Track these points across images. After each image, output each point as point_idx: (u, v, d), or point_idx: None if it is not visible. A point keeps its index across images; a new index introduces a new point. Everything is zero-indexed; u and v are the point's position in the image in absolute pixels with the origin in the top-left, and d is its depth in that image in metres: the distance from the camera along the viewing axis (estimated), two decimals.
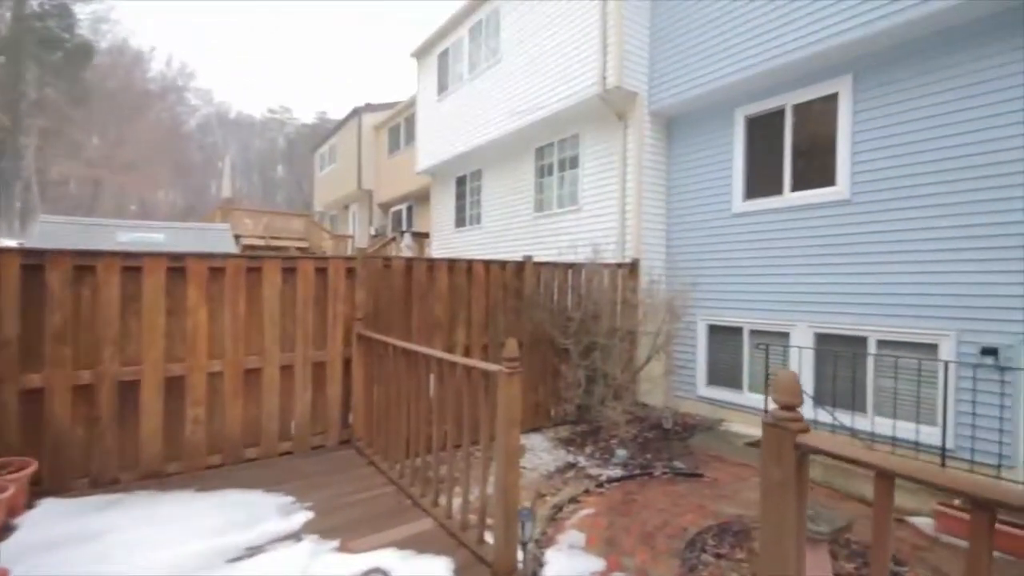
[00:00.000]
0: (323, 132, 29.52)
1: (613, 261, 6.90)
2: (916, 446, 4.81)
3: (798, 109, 6.14)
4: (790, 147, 6.19)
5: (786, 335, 6.11)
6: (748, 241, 6.54)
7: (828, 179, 5.81)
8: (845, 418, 5.24)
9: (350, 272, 4.89)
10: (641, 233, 7.24)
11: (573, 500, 4.25)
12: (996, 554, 3.50)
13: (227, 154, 35.78)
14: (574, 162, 8.50)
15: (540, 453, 5.37)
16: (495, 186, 10.57)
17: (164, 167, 49.20)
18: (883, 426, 5.07)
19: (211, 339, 4.22)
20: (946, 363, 4.74)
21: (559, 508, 4.08)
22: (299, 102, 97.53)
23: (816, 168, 5.97)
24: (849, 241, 5.58)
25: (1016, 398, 4.38)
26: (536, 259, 6.17)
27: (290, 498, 3.59)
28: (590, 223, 7.91)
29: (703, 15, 6.76)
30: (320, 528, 3.18)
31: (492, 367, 2.75)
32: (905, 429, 4.92)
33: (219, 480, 3.92)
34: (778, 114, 6.32)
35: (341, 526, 3.21)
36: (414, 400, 3.66)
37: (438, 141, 11.91)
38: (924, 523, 3.91)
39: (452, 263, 5.48)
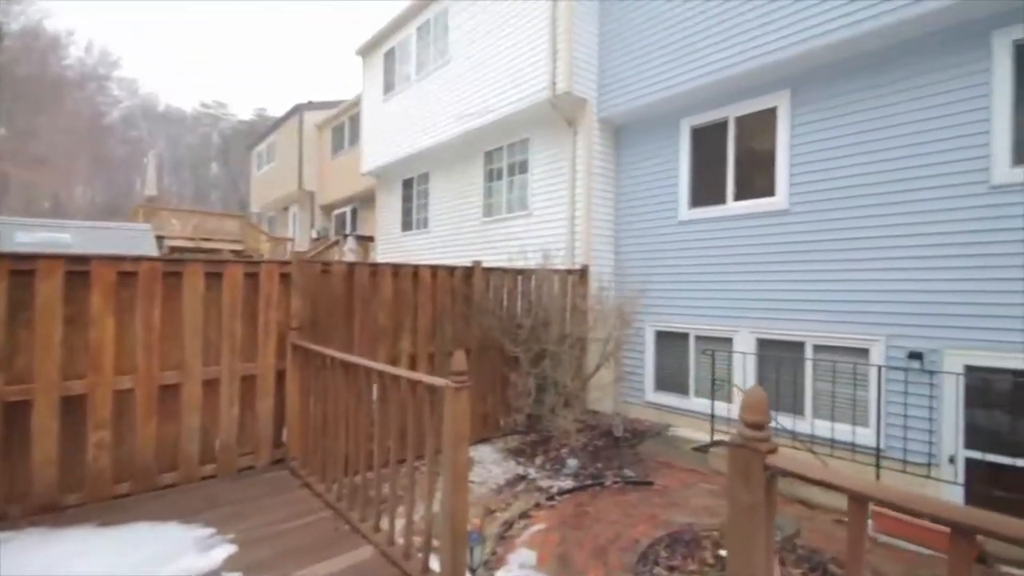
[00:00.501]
0: (261, 129, 28.08)
1: (563, 267, 6.84)
2: (853, 448, 5.00)
3: (740, 121, 6.33)
4: (733, 158, 6.36)
5: (729, 341, 6.25)
6: (694, 249, 6.66)
7: (768, 189, 6.00)
8: (787, 421, 5.38)
9: (285, 277, 4.52)
10: (591, 239, 7.23)
11: (524, 515, 4.08)
12: (932, 553, 3.65)
13: (152, 149, 33.36)
14: (524, 167, 8.42)
15: (489, 465, 5.18)
16: (443, 190, 10.33)
17: (81, 162, 45.25)
18: (822, 428, 5.25)
19: (119, 352, 3.75)
20: (880, 368, 4.96)
21: (509, 525, 3.90)
22: (235, 97, 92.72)
23: (757, 178, 6.16)
24: (788, 249, 5.78)
25: (940, 399, 4.63)
26: (485, 264, 6.00)
27: (210, 530, 3.21)
28: (540, 229, 7.84)
29: (650, 27, 6.86)
30: (244, 564, 2.85)
31: (439, 381, 2.55)
32: (842, 431, 5.11)
33: (127, 512, 3.47)
34: (721, 125, 6.49)
35: (268, 560, 2.89)
36: (354, 415, 3.38)
37: (384, 142, 11.53)
38: None
39: (397, 268, 5.21)
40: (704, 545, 3.65)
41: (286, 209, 22.42)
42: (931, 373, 4.68)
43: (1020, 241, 4.33)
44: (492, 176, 9.12)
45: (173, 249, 14.45)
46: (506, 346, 5.82)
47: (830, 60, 5.43)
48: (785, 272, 5.78)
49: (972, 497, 4.44)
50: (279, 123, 21.96)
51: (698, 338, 6.60)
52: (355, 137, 15.90)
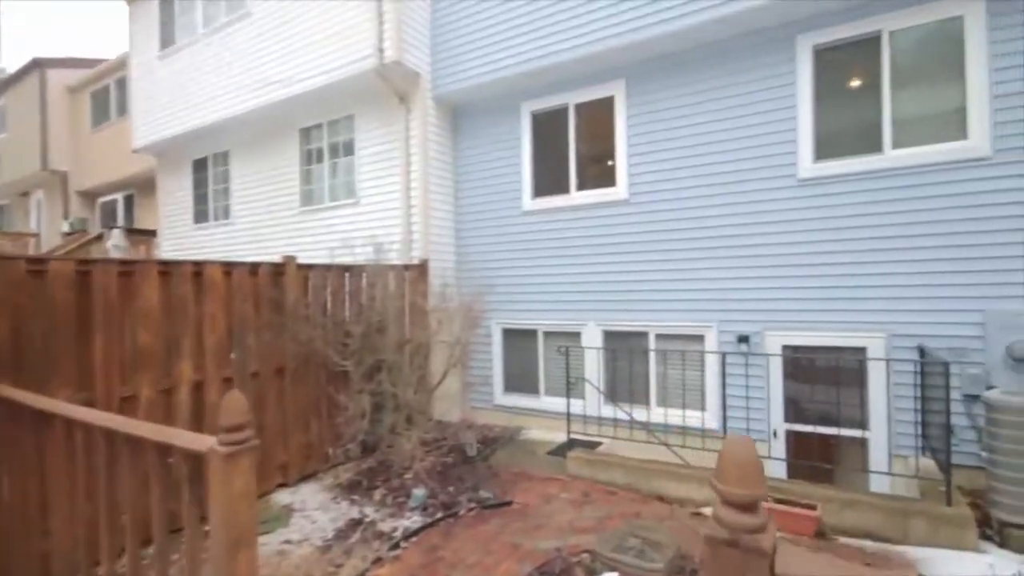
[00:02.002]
0: None
1: (399, 262, 5.96)
2: (702, 433, 5.08)
3: (580, 109, 6.16)
4: (574, 146, 6.17)
5: (578, 335, 6.06)
6: (539, 240, 6.35)
7: (609, 179, 5.93)
8: (639, 413, 5.32)
9: None
10: (429, 231, 6.46)
11: None
12: (779, 535, 3.70)
13: None
14: (350, 148, 7.27)
15: (314, 512, 4.11)
16: (248, 173, 8.54)
17: None
18: (671, 416, 5.27)
19: None
20: (716, 353, 5.13)
21: None
22: None
23: (599, 168, 6.06)
24: (629, 240, 5.75)
25: (766, 379, 4.93)
26: (303, 260, 4.83)
27: None
28: (371, 219, 6.81)
29: (486, 1, 6.33)
30: None
31: (202, 442, 1.55)
32: (689, 417, 5.18)
33: None
34: (562, 112, 6.26)
35: None
36: (69, 500, 2.12)
37: (162, 111, 9.16)
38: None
39: (167, 266, 3.80)
40: (576, 574, 3.19)
41: (26, 194, 17.14)
42: (756, 355, 4.95)
43: (820, 230, 4.78)
44: (311, 158, 7.75)
45: None
46: (332, 359, 4.76)
47: (657, 53, 5.49)
48: (628, 263, 5.75)
49: (792, 468, 4.80)
50: (11, 82, 16.64)
51: (547, 334, 6.31)
52: (125, 106, 12.63)
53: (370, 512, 4.10)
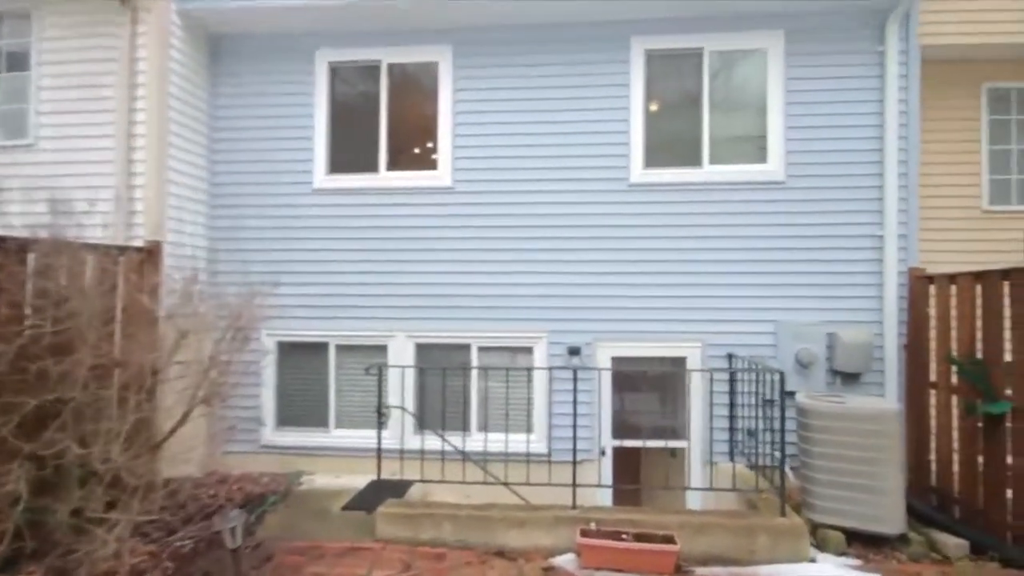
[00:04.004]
0: None
1: (109, 242, 3.84)
2: (527, 458, 4.39)
3: (397, 72, 5.03)
4: (387, 115, 4.99)
5: (383, 348, 4.86)
6: (334, 228, 4.94)
7: (429, 162, 4.94)
8: (459, 441, 4.40)
9: None
10: (165, 199, 4.43)
11: None
12: None
13: None
14: (19, 61, 4.63)
15: None
16: None
17: None
18: (493, 443, 4.47)
19: None
20: (551, 369, 4.56)
21: None
22: None
23: (417, 145, 5.02)
24: (451, 236, 4.86)
25: (595, 392, 4.57)
26: None
27: None
28: (58, 171, 4.36)
29: None
30: None
31: None
32: (514, 441, 4.47)
33: None
34: (372, 71, 5.02)
35: None
36: None
37: None
38: (568, 561, 3.33)
39: None
40: None
41: None
42: (585, 368, 4.56)
43: (649, 238, 4.69)
44: None
45: None
46: None
47: (492, 22, 4.78)
48: (448, 263, 4.84)
49: (617, 494, 4.51)
50: None
51: (342, 348, 4.92)
52: None
53: None
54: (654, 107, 4.78)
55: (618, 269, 4.69)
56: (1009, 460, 3.36)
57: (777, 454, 4.11)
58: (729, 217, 4.62)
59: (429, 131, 4.94)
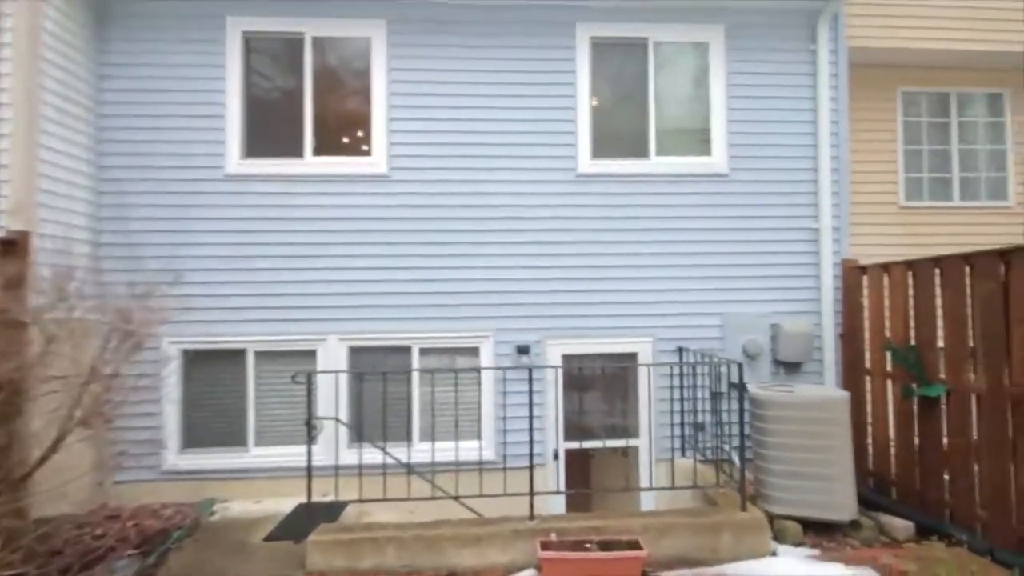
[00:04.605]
0: None
1: None
2: (479, 466, 4.04)
3: (323, 46, 4.55)
4: (312, 94, 4.48)
5: (312, 354, 4.34)
6: (252, 218, 4.37)
7: (362, 147, 4.50)
8: (399, 452, 3.97)
9: None
10: (35, 183, 3.67)
11: None
12: None
13: None
14: None
15: None
16: None
17: None
18: (439, 452, 4.08)
19: None
20: (503, 369, 4.26)
21: None
22: None
23: (348, 130, 4.57)
24: (387, 228, 4.45)
25: (547, 394, 4.33)
26: None
27: None
28: None
29: None
30: None
31: None
32: (462, 450, 4.09)
33: None
34: (295, 44, 4.50)
35: None
36: None
37: None
38: None
39: None
40: None
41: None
42: (536, 367, 4.30)
43: (596, 230, 4.53)
44: None
45: None
46: None
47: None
48: (386, 258, 4.42)
49: (571, 499, 4.30)
50: None
51: (262, 355, 4.34)
52: None
53: None
54: (601, 96, 4.64)
55: (567, 263, 4.50)
56: (945, 441, 3.49)
57: (727, 447, 4.09)
58: (677, 210, 4.56)
59: (361, 114, 4.51)
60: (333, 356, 4.33)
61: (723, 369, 4.17)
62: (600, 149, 4.58)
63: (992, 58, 5.18)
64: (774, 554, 3.18)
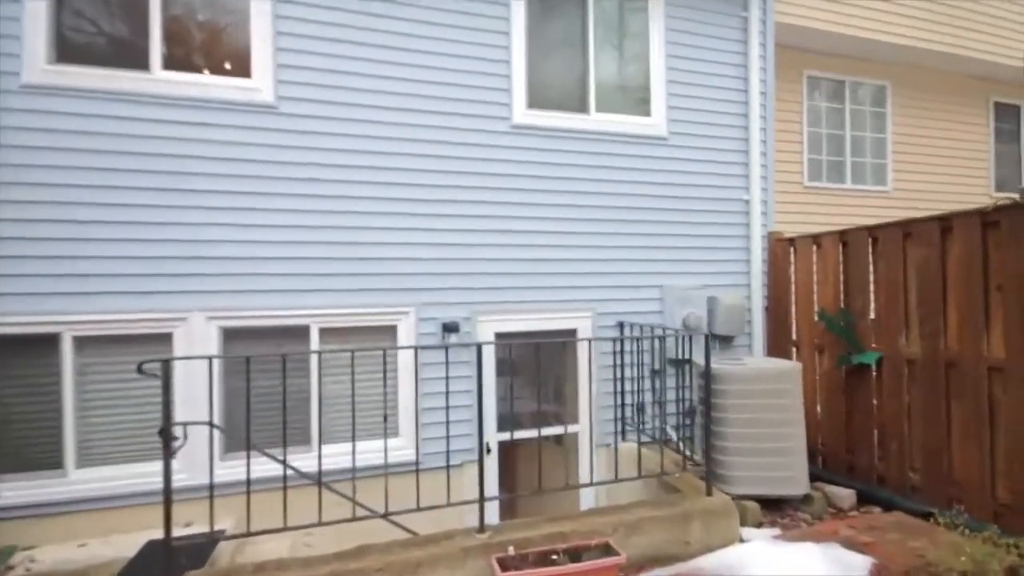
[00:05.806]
0: None
1: None
2: (385, 471, 3.32)
3: None
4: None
5: (165, 337, 3.22)
6: (72, 150, 3.10)
7: (238, 63, 3.43)
8: (298, 460, 3.07)
9: None
10: None
11: None
12: None
13: None
14: None
15: None
16: None
17: None
18: (344, 456, 3.25)
19: None
20: (423, 349, 3.52)
21: None
22: None
23: (214, 38, 3.44)
24: (272, 175, 3.45)
25: (476, 378, 3.68)
26: None
27: None
28: None
29: None
30: None
31: None
32: (372, 452, 3.31)
33: None
34: None
35: None
36: None
37: None
38: None
39: None
40: None
41: None
42: (467, 346, 3.66)
43: (534, 191, 3.98)
44: None
45: None
46: None
47: None
48: (273, 211, 3.43)
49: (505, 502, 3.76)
50: None
51: (87, 340, 3.12)
52: None
53: None
54: (538, 41, 4.06)
55: (500, 226, 3.89)
56: (875, 408, 3.55)
57: (668, 427, 3.84)
58: (617, 172, 4.18)
59: (236, 18, 3.42)
60: (198, 339, 3.25)
61: (670, 343, 3.91)
62: (537, 99, 4.02)
63: (880, 48, 5.57)
64: (742, 540, 2.93)
